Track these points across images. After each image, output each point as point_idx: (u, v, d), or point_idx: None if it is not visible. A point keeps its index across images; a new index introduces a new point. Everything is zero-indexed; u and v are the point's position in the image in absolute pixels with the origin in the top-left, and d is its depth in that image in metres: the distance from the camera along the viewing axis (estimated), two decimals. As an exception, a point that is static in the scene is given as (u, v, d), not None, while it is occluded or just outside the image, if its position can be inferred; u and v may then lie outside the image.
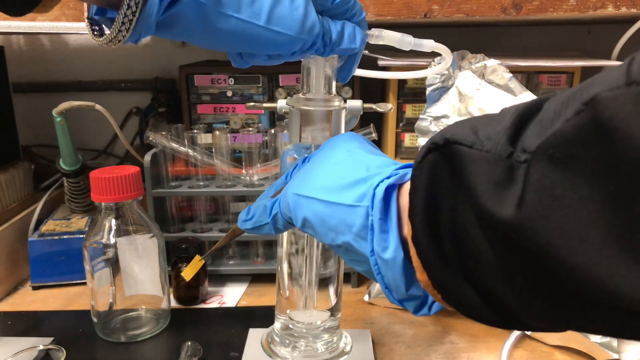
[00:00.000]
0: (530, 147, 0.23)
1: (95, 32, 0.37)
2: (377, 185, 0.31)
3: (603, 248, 0.20)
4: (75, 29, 0.37)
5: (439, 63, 0.62)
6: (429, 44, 0.45)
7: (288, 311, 0.50)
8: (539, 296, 0.24)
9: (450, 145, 0.26)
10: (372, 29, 0.43)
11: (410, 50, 0.45)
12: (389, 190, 0.31)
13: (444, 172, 0.27)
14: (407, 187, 0.30)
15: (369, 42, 0.44)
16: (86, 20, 0.37)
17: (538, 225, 0.22)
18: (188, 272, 0.52)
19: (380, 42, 0.44)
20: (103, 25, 0.38)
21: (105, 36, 0.35)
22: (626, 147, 0.19)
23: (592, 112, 0.20)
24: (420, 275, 0.29)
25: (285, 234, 0.48)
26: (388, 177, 0.32)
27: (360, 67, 0.74)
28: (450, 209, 0.27)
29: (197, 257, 0.52)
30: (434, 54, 0.65)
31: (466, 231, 0.26)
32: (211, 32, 0.36)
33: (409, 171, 0.32)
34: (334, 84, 0.45)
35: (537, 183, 0.22)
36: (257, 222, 0.41)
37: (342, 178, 0.34)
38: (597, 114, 0.20)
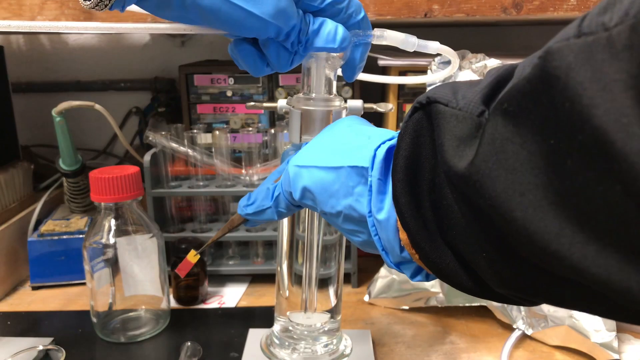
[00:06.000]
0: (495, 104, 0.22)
1: None
2: (379, 147, 0.31)
3: (539, 205, 0.20)
4: (75, 28, 0.36)
5: (440, 64, 0.62)
6: (434, 46, 0.44)
7: (288, 313, 0.50)
8: (499, 261, 0.24)
9: (431, 104, 0.26)
10: (375, 29, 0.43)
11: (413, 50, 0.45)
12: (390, 153, 0.30)
13: (426, 131, 0.27)
14: None
15: (372, 42, 0.43)
16: None
17: (485, 179, 0.22)
18: (189, 261, 0.48)
19: (384, 43, 0.43)
20: None
21: (91, 0, 0.34)
22: (563, 98, 0.18)
23: (543, 64, 0.19)
24: (402, 235, 0.28)
25: (285, 233, 0.48)
26: (390, 139, 0.31)
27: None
28: (431, 169, 0.27)
29: (193, 251, 0.48)
30: (434, 54, 0.65)
31: (442, 192, 0.26)
32: (190, 6, 0.34)
33: None
34: (334, 84, 0.45)
35: (490, 137, 0.22)
36: (259, 207, 0.39)
37: (343, 144, 0.33)
38: (546, 66, 0.19)
